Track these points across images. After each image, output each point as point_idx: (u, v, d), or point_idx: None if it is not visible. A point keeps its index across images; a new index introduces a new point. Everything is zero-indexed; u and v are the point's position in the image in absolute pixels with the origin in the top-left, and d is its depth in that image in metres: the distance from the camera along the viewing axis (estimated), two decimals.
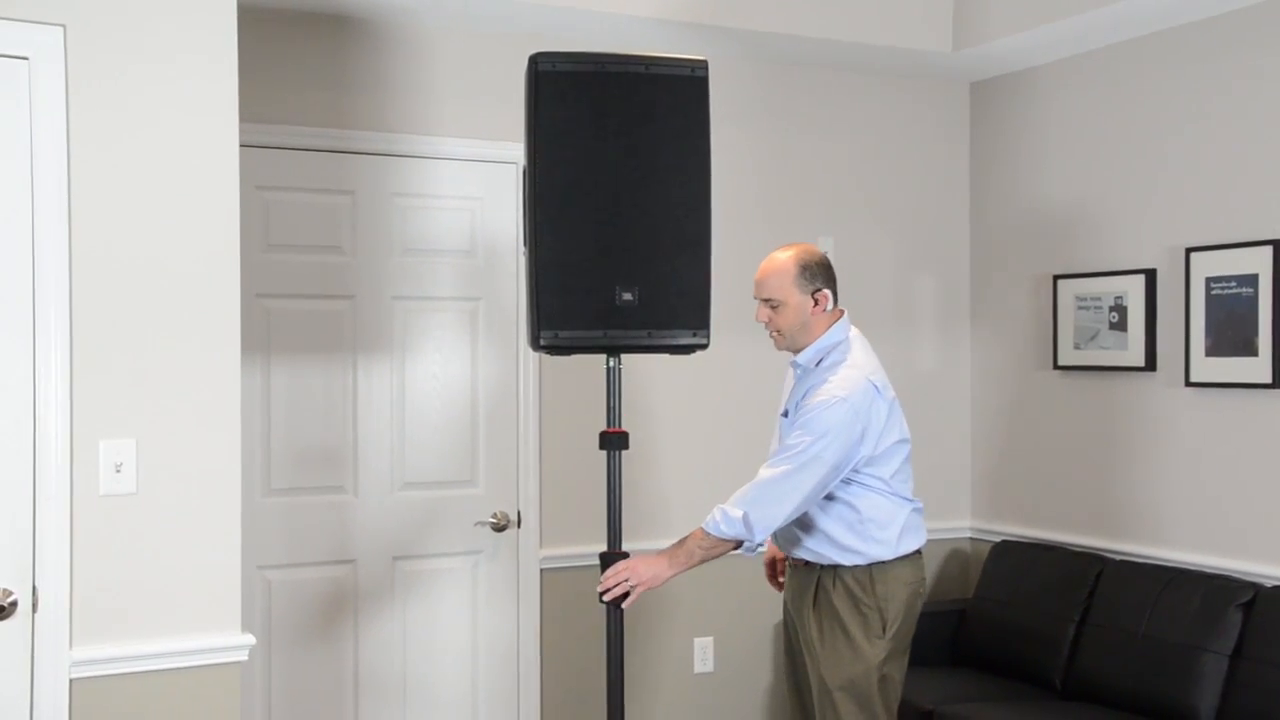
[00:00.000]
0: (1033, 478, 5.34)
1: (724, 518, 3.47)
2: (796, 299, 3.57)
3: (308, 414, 4.50)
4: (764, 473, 3.49)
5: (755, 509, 3.44)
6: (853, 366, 3.52)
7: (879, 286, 5.40)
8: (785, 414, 3.68)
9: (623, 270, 3.38)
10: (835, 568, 3.58)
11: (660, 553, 3.56)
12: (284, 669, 4.46)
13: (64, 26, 3.13)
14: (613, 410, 3.55)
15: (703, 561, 3.57)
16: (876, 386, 3.50)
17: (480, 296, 4.74)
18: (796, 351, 3.65)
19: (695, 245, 3.45)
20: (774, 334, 3.67)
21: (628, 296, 3.38)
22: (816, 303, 3.57)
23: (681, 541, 3.57)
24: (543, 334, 3.36)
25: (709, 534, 3.50)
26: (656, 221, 3.41)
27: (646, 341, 3.44)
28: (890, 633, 3.56)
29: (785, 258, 3.60)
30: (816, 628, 3.61)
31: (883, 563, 3.56)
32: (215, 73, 3.30)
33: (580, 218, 3.37)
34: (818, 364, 3.58)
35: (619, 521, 3.56)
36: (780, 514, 3.46)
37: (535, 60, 3.36)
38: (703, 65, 3.46)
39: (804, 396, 3.54)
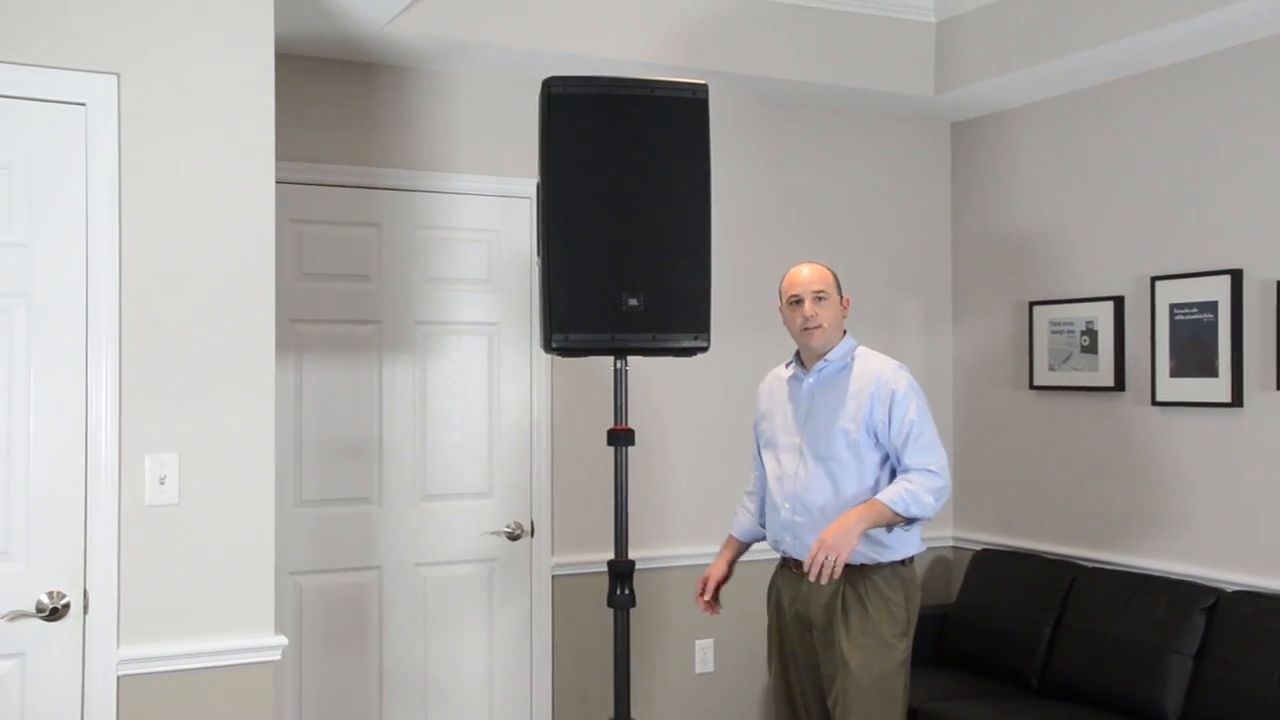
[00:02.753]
0: (1011, 490, 5.34)
1: (914, 500, 3.50)
2: (836, 296, 3.75)
3: (337, 430, 4.51)
4: (926, 473, 3.57)
5: (940, 498, 3.57)
6: (880, 359, 3.74)
7: (867, 310, 5.35)
8: (807, 417, 3.73)
9: (629, 277, 3.39)
10: (862, 569, 3.58)
11: (847, 517, 3.47)
12: (314, 668, 4.47)
13: (118, 75, 3.18)
14: (620, 409, 3.56)
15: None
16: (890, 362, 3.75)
17: (497, 321, 4.75)
18: (825, 350, 3.73)
19: (696, 254, 3.46)
20: (817, 328, 3.69)
21: (633, 302, 3.39)
22: (845, 306, 3.79)
23: (869, 509, 3.49)
24: (554, 337, 3.37)
25: (898, 512, 3.49)
26: (660, 232, 3.43)
27: (651, 344, 3.44)
28: (911, 631, 3.62)
29: (821, 266, 3.79)
30: (845, 627, 3.59)
31: (903, 563, 3.63)
32: (254, 115, 3.34)
33: (589, 229, 3.38)
34: (851, 358, 3.73)
35: (625, 515, 3.56)
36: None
37: (549, 84, 3.38)
38: (703, 88, 3.49)
39: (881, 391, 3.63)
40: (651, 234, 3.43)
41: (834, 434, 3.66)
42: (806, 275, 3.74)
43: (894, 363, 3.73)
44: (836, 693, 3.59)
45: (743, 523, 4.06)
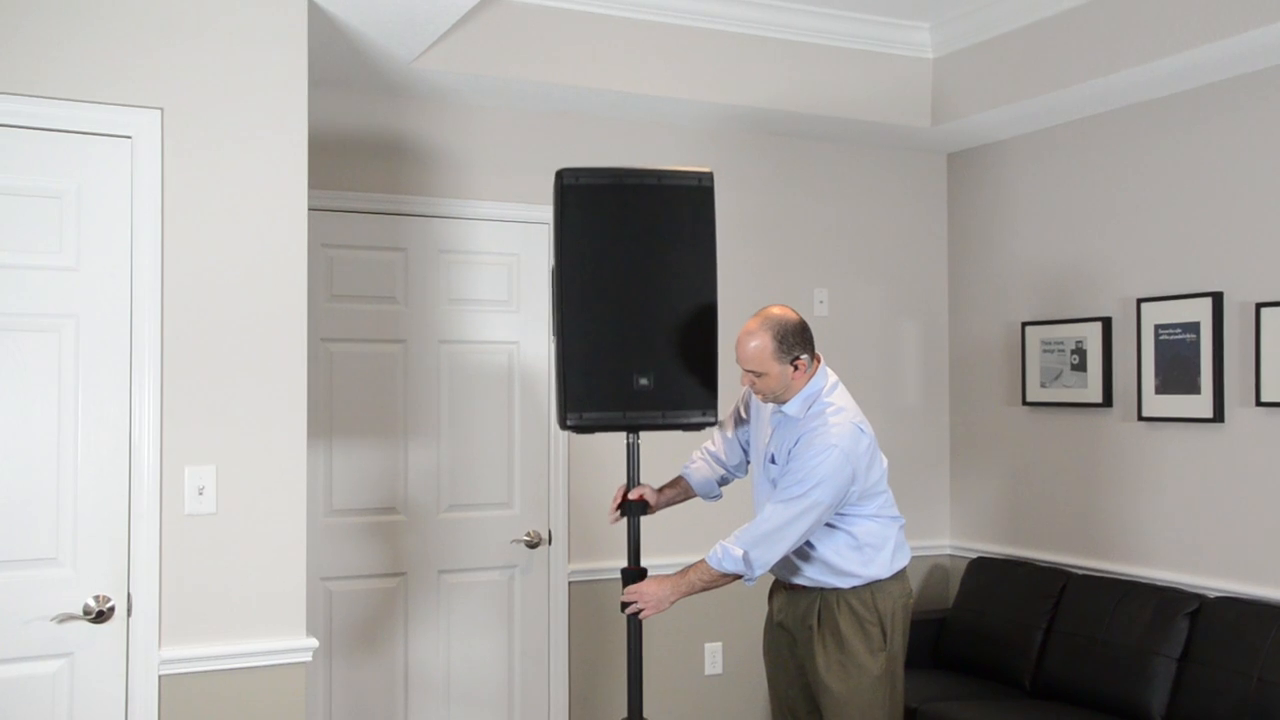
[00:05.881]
0: (1005, 501, 5.34)
1: (725, 554, 3.36)
2: (777, 369, 3.37)
3: (365, 443, 4.52)
4: (766, 512, 3.37)
5: (755, 548, 3.34)
6: (839, 412, 3.38)
7: (868, 332, 5.42)
8: (773, 460, 3.49)
9: (639, 358, 3.40)
10: (836, 590, 3.48)
11: (666, 578, 3.48)
12: (343, 669, 4.48)
13: (162, 110, 3.21)
14: (632, 480, 3.57)
15: (703, 590, 3.47)
16: (860, 428, 3.38)
17: (516, 340, 4.76)
18: (781, 401, 3.46)
19: (703, 335, 3.46)
20: (760, 394, 3.49)
21: (644, 382, 3.40)
22: (796, 369, 3.39)
23: (685, 570, 3.46)
24: (569, 415, 3.37)
25: (711, 567, 3.39)
26: (669, 315, 3.43)
27: (661, 421, 3.45)
28: (889, 645, 3.48)
29: (763, 336, 3.36)
30: (821, 644, 3.49)
31: (880, 581, 3.47)
32: (288, 147, 3.37)
33: (601, 312, 3.39)
34: (807, 411, 3.42)
35: (637, 524, 3.58)
36: (778, 553, 3.36)
37: (561, 175, 3.39)
38: (708, 176, 3.48)
39: (795, 444, 3.38)
40: (661, 317, 3.43)
41: (767, 470, 3.54)
42: (741, 355, 3.39)
43: (840, 418, 3.36)
44: (821, 707, 3.53)
45: (700, 470, 3.82)
